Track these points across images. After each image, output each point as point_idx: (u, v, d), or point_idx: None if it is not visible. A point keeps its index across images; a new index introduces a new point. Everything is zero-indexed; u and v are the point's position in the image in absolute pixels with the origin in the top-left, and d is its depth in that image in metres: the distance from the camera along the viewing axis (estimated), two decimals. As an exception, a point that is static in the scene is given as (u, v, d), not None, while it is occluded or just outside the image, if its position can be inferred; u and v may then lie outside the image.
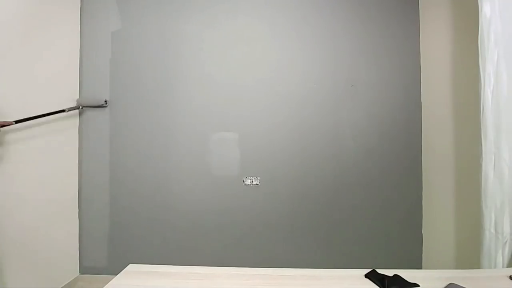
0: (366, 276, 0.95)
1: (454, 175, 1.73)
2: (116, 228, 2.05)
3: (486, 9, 1.24)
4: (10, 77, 1.53)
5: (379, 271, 0.96)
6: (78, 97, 2.02)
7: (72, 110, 1.93)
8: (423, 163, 2.03)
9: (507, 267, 1.22)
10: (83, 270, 2.04)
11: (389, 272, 0.95)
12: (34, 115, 1.63)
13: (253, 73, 2.05)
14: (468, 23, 1.45)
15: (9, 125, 1.47)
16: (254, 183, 2.03)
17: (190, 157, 2.04)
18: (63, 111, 1.85)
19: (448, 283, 0.87)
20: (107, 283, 0.90)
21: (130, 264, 1.04)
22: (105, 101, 2.02)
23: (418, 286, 0.88)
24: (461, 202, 1.68)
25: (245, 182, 2.03)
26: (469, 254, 1.50)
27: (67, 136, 1.97)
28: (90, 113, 2.05)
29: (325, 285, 0.91)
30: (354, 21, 2.05)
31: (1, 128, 1.44)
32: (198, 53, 2.05)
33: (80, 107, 2.00)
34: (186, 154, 2.04)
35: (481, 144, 1.26)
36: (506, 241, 1.22)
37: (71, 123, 2.00)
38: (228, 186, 2.03)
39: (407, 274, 0.93)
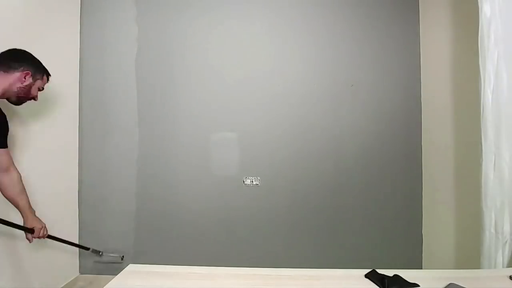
0: (366, 276, 0.95)
1: (454, 175, 1.73)
2: (116, 228, 2.05)
3: (486, 9, 1.24)
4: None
5: (379, 271, 0.96)
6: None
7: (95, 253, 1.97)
8: (423, 163, 2.03)
9: (507, 267, 1.22)
10: (83, 270, 2.04)
11: (389, 272, 0.95)
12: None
13: (253, 74, 2.05)
14: (468, 23, 1.45)
15: None
16: (254, 183, 2.03)
17: (190, 157, 2.04)
18: (87, 248, 1.90)
19: (448, 283, 0.87)
20: (107, 283, 0.90)
21: (130, 264, 1.04)
22: (122, 257, 2.01)
23: (418, 286, 0.88)
24: (461, 202, 1.68)
25: (245, 182, 2.03)
26: (469, 254, 1.50)
27: (67, 135, 1.97)
28: (89, 113, 2.05)
29: (325, 285, 0.91)
30: (354, 21, 2.05)
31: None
32: (198, 53, 2.05)
33: (100, 253, 1.99)
34: (187, 154, 2.04)
35: (481, 144, 1.26)
36: (506, 241, 1.22)
37: (72, 123, 2.00)
38: (228, 186, 2.03)
39: (407, 274, 0.93)
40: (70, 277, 1.97)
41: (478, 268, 1.27)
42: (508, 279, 0.94)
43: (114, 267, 1.96)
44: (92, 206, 2.04)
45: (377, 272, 0.96)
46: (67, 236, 1.95)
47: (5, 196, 1.34)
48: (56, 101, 1.85)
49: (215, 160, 2.04)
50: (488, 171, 1.24)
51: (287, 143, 2.03)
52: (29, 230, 1.37)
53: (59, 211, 1.88)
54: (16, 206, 1.36)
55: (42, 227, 1.41)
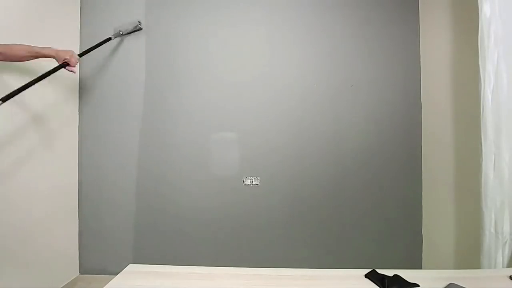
0: (366, 276, 0.95)
1: (454, 175, 1.73)
2: (116, 228, 2.05)
3: (486, 9, 1.24)
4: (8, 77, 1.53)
5: (379, 271, 0.97)
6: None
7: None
8: (423, 163, 2.03)
9: (507, 267, 1.22)
10: (83, 270, 2.04)
11: (389, 272, 0.95)
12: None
13: (253, 74, 2.05)
14: (468, 23, 1.45)
15: None
16: (254, 183, 2.03)
17: (190, 157, 2.04)
18: (109, 38, 1.91)
19: (448, 283, 0.87)
20: (107, 283, 0.90)
21: (130, 264, 1.04)
22: (139, 21, 2.02)
23: (418, 286, 0.88)
24: (461, 202, 1.68)
25: (245, 182, 2.03)
26: (469, 254, 1.50)
27: (66, 135, 1.97)
28: (89, 112, 2.05)
29: (325, 285, 0.91)
30: (354, 21, 2.05)
31: None
32: (198, 53, 2.05)
33: (120, 32, 2.00)
34: (186, 154, 2.04)
35: (481, 144, 1.26)
36: (506, 241, 1.22)
37: (71, 122, 2.00)
38: (228, 186, 2.03)
39: (407, 274, 0.93)
40: (70, 277, 1.97)
41: (478, 268, 1.27)
42: (508, 279, 0.94)
43: (114, 266, 1.96)
44: (92, 206, 2.04)
45: (377, 272, 0.96)
46: (67, 236, 1.97)
47: (20, 59, 1.35)
48: (56, 101, 1.85)
49: (215, 160, 2.04)
50: (488, 171, 1.24)
51: (287, 143, 2.03)
52: (63, 66, 1.43)
53: (59, 211, 1.88)
54: (39, 55, 1.38)
55: (71, 54, 1.45)
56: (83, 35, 2.04)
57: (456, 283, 0.86)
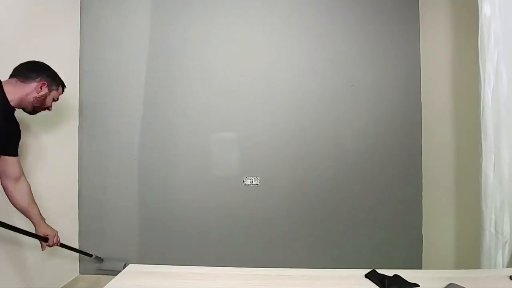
0: (366, 276, 0.95)
1: (454, 175, 1.73)
2: (116, 228, 2.05)
3: (486, 9, 1.24)
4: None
5: (379, 271, 0.96)
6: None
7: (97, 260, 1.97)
8: (423, 163, 2.03)
9: (507, 267, 1.22)
10: (83, 270, 2.04)
11: (389, 272, 0.95)
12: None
13: (253, 74, 2.05)
14: (468, 23, 1.45)
15: None
16: (254, 183, 2.03)
17: (190, 158, 2.04)
18: (90, 255, 1.89)
19: (448, 283, 0.87)
20: (107, 283, 0.90)
21: (130, 264, 1.04)
22: (124, 264, 1.96)
23: (418, 286, 0.88)
24: (461, 202, 1.68)
25: (245, 182, 2.03)
26: (469, 254, 1.50)
27: (67, 135, 1.97)
28: (89, 112, 2.05)
29: (325, 285, 0.91)
30: (354, 21, 2.05)
31: None
32: (198, 54, 2.05)
33: (102, 260, 1.99)
34: (186, 154, 2.04)
35: (481, 144, 1.26)
36: (506, 241, 1.22)
37: (71, 122, 2.00)
38: (228, 186, 2.03)
39: (407, 274, 0.93)
40: (70, 277, 1.97)
41: (478, 268, 1.27)
42: (508, 279, 0.94)
43: (114, 266, 1.96)
44: (92, 206, 2.04)
45: (377, 272, 0.96)
46: (67, 235, 1.96)
47: (15, 206, 1.31)
48: (56, 102, 1.84)
49: (215, 160, 2.04)
50: (488, 171, 1.24)
51: (287, 143, 2.03)
52: (42, 239, 1.38)
53: (59, 211, 1.87)
54: (27, 215, 1.34)
55: (55, 234, 1.42)
56: (83, 35, 2.04)
57: (456, 283, 0.86)
